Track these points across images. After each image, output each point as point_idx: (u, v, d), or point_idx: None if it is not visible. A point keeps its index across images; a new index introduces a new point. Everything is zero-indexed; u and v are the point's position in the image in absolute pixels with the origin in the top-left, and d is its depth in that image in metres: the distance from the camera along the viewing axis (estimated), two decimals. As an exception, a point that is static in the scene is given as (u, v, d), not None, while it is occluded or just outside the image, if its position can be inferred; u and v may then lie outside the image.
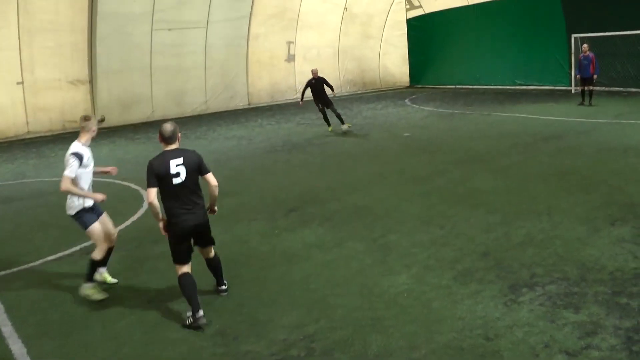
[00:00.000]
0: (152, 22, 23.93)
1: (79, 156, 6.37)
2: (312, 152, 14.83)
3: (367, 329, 5.31)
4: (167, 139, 5.77)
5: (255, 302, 6.06)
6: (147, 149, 17.09)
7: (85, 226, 6.50)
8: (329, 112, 17.76)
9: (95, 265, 6.50)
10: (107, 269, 6.88)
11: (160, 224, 5.83)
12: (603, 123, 15.77)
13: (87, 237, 6.81)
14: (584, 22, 23.35)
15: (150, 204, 5.64)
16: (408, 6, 33.39)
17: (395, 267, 6.71)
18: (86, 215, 6.51)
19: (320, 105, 17.78)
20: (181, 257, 5.82)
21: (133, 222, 9.45)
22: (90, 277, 6.46)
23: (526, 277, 6.12)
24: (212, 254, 6.26)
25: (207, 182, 5.92)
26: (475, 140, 14.81)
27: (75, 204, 6.47)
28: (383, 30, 34.01)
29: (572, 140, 13.75)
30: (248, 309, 5.91)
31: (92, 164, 6.63)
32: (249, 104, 28.43)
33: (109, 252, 6.76)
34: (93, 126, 6.66)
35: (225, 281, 6.37)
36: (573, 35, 23.52)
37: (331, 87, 17.70)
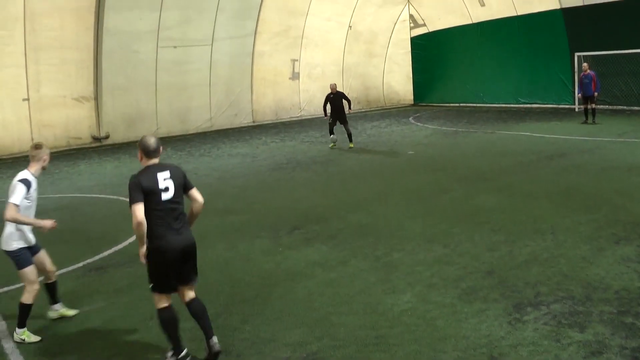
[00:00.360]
0: (158, 40, 24.11)
1: (27, 184, 5.85)
2: (316, 170, 14.85)
3: (371, 347, 5.28)
4: (152, 153, 5.26)
5: (259, 320, 6.03)
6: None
7: (21, 266, 5.96)
8: (340, 127, 18.07)
9: (25, 310, 5.97)
10: (61, 303, 6.50)
11: (143, 249, 5.07)
12: (607, 141, 15.77)
13: (19, 278, 6.20)
14: (587, 41, 23.44)
15: (140, 224, 4.90)
16: (412, 24, 33.57)
17: (399, 285, 6.69)
18: (25, 255, 5.99)
19: (332, 119, 18.09)
20: (165, 285, 5.14)
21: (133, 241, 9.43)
22: (22, 323, 5.97)
23: (531, 296, 6.09)
24: (193, 293, 5.34)
25: (191, 199, 5.42)
26: (478, 158, 14.81)
27: (15, 239, 5.94)
28: (387, 49, 34.18)
29: (576, 158, 13.74)
30: (251, 327, 5.89)
31: (35, 197, 6.09)
32: (253, 122, 28.51)
33: (53, 287, 6.38)
34: (44, 155, 6.13)
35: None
36: (576, 54, 23.59)
37: (349, 102, 18.19)
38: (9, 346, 5.86)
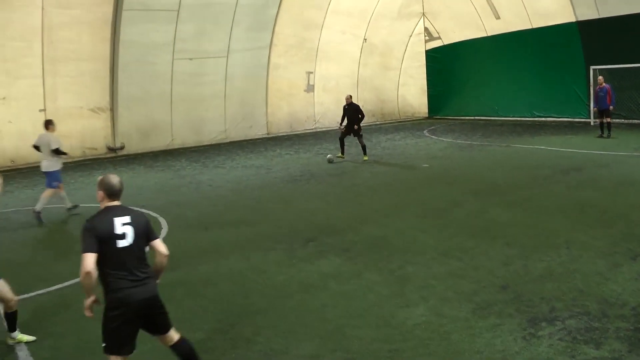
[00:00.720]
0: (174, 52, 24.31)
1: None
2: (331, 183, 14.85)
3: (384, 361, 5.26)
4: (115, 194, 4.77)
5: (271, 332, 6.03)
6: (166, 176, 17.22)
7: None
8: (352, 140, 18.24)
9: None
10: (18, 330, 6.31)
11: (89, 300, 4.57)
12: (623, 156, 15.66)
13: None
14: (603, 54, 23.34)
15: (87, 274, 4.33)
16: (427, 37, 33.62)
17: (413, 298, 6.66)
18: None
19: (345, 130, 18.36)
20: (119, 344, 4.51)
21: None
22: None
23: (546, 311, 6.05)
24: (177, 336, 4.90)
25: (155, 251, 4.87)
26: (493, 171, 14.76)
27: None
28: (402, 61, 34.24)
29: (592, 172, 13.65)
30: (264, 339, 5.88)
31: None
32: (267, 134, 28.59)
33: (13, 316, 6.19)
34: None
35: None
36: (592, 67, 23.50)
37: (361, 116, 18.44)
38: (22, 353, 5.89)
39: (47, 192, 12.47)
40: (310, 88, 30.27)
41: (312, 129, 29.94)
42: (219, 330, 6.12)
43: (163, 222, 11.36)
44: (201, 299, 7.10)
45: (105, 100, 23.48)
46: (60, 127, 22.20)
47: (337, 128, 19.39)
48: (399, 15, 32.13)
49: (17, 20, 20.65)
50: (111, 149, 23.70)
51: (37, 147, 12.85)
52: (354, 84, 32.22)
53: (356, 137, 18.21)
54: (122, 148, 23.74)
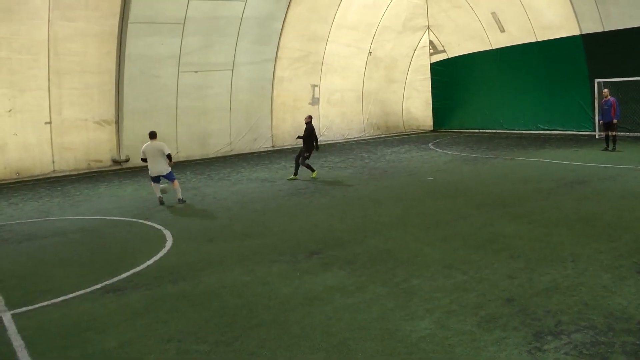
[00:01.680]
0: (179, 65, 24.44)
1: None
2: (335, 195, 14.85)
3: (389, 374, 5.24)
4: None
5: (275, 345, 6.00)
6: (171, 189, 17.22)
7: None
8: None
9: None
10: None
11: None
12: (628, 169, 15.63)
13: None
14: (607, 67, 23.35)
15: None
16: (432, 50, 33.71)
17: (418, 311, 6.64)
18: None
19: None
20: None
21: (155, 262, 9.48)
22: None
23: (551, 325, 6.02)
24: None
25: None
26: (498, 185, 14.74)
27: None
28: (407, 74, 34.30)
29: (597, 186, 13.62)
30: (268, 351, 5.86)
31: None
32: (272, 146, 28.65)
33: None
34: None
35: None
36: (596, 80, 23.49)
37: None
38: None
39: (176, 182, 15.10)
40: (315, 101, 30.35)
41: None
42: (223, 343, 6.10)
43: (168, 234, 11.37)
44: (205, 311, 7.09)
45: (110, 113, 23.59)
46: (65, 139, 22.54)
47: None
48: (404, 28, 32.24)
49: (24, 33, 20.82)
50: (116, 162, 23.77)
51: (144, 159, 14.84)
52: (359, 97, 32.31)
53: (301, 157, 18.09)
54: (127, 160, 23.80)
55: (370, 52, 31.79)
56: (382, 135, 33.16)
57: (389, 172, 18.32)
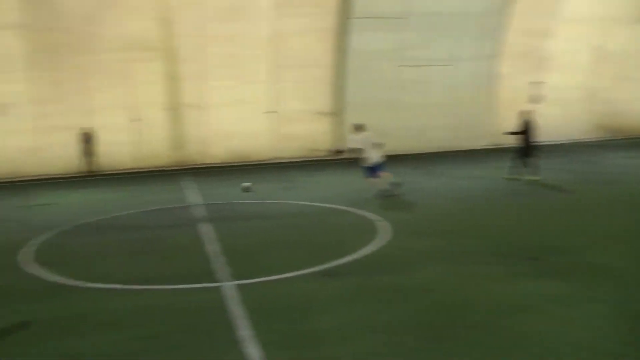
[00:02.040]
0: (399, 59, 24.77)
1: None
2: (558, 198, 14.09)
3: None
4: None
5: (485, 349, 5.84)
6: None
7: None
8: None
9: None
10: None
11: None
12: None
13: None
14: None
15: None
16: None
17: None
18: None
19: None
20: None
21: (370, 251, 9.73)
22: None
23: None
24: None
25: None
26: None
27: None
28: (644, 71, 31.24)
29: None
30: (478, 354, 5.72)
31: None
32: (492, 144, 27.74)
33: None
34: None
35: None
36: None
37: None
38: (244, 333, 6.30)
39: (387, 174, 15.23)
40: (536, 99, 28.89)
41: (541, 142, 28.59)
42: (435, 339, 6.07)
43: (382, 225, 11.61)
44: (418, 305, 7.15)
45: (328, 105, 24.73)
46: (286, 128, 24.16)
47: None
48: (637, 19, 29.42)
49: (250, 31, 23.26)
50: (335, 152, 24.73)
51: (354, 150, 15.55)
52: (584, 95, 30.15)
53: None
54: (346, 151, 24.65)
55: (599, 47, 29.44)
56: (610, 138, 30.66)
57: (618, 179, 16.87)
